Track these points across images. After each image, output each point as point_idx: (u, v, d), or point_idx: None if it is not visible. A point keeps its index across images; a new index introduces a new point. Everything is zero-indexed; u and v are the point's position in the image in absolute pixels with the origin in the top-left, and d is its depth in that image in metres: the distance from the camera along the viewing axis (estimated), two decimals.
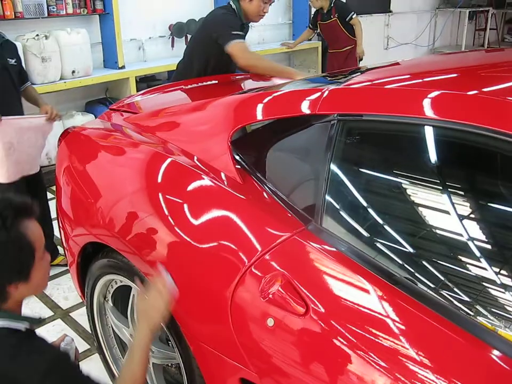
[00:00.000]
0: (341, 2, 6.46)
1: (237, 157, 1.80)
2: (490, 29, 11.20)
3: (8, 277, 1.34)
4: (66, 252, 2.45)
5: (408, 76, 1.80)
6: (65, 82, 5.06)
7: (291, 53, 7.77)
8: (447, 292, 1.30)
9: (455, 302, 1.26)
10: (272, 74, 3.22)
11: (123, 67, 5.61)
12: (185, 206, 1.76)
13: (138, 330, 1.55)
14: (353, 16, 6.26)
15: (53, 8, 5.04)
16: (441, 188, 1.44)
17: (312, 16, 6.88)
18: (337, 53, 6.50)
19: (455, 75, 1.73)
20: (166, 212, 1.79)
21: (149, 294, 1.57)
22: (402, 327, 1.27)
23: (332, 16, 6.33)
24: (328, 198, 1.52)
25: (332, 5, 6.27)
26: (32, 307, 3.07)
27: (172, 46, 6.40)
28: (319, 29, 6.63)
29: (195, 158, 1.89)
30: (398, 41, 9.91)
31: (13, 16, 4.79)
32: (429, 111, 1.40)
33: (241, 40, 3.26)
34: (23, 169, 3.04)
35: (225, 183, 1.73)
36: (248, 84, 3.17)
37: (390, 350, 1.24)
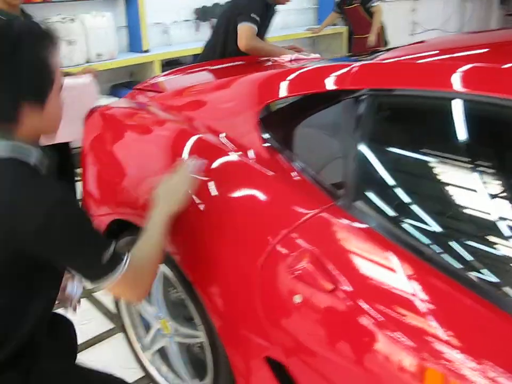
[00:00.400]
0: None
1: (265, 134, 1.77)
2: None
3: (23, 90, 1.29)
4: None
5: (439, 52, 1.75)
6: (90, 65, 5.07)
7: (315, 38, 7.68)
8: (483, 270, 1.25)
9: (491, 281, 1.22)
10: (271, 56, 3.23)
11: (148, 51, 5.61)
12: (212, 183, 1.74)
13: (157, 212, 1.55)
14: (374, 5, 6.16)
15: None
16: (475, 165, 1.39)
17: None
18: (361, 38, 6.41)
19: (489, 49, 1.68)
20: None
21: (174, 178, 1.61)
22: (436, 306, 1.23)
23: (353, 2, 6.26)
24: (358, 174, 1.49)
25: None
26: None
27: (197, 30, 6.38)
28: (343, 13, 6.56)
29: (222, 135, 1.87)
30: (424, 27, 9.74)
31: (40, 0, 4.81)
32: (465, 85, 1.35)
33: (252, 25, 3.27)
34: (63, 134, 2.98)
35: (253, 160, 1.71)
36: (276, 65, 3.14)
37: (420, 329, 1.21)
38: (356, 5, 6.26)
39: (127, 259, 1.38)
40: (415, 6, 9.58)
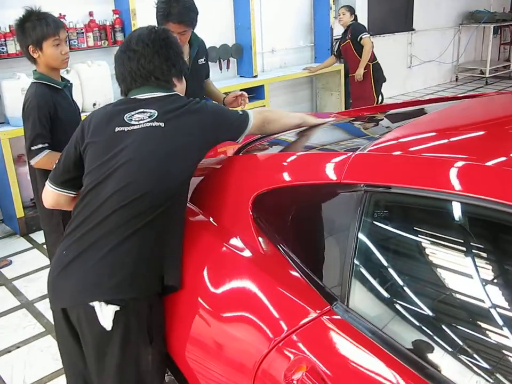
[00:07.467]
0: (356, 24, 6.30)
1: (258, 224, 1.71)
2: None
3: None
4: None
5: (440, 134, 1.69)
6: (86, 115, 5.03)
7: (314, 76, 7.69)
8: None
9: None
10: None
11: None
12: (208, 273, 1.70)
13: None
14: (363, 37, 6.03)
15: (74, 42, 5.03)
16: (473, 266, 1.32)
17: (336, 41, 6.81)
18: (352, 76, 6.36)
19: (482, 133, 1.63)
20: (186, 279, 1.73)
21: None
22: None
23: (346, 38, 6.25)
24: (354, 275, 1.42)
25: (349, 25, 6.20)
26: None
27: None
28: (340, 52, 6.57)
29: (212, 219, 1.81)
30: (421, 59, 9.82)
31: None
32: (456, 186, 1.28)
33: None
34: None
35: (247, 252, 1.65)
36: None
37: None
38: (347, 41, 6.23)
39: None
40: (412, 39, 9.65)
